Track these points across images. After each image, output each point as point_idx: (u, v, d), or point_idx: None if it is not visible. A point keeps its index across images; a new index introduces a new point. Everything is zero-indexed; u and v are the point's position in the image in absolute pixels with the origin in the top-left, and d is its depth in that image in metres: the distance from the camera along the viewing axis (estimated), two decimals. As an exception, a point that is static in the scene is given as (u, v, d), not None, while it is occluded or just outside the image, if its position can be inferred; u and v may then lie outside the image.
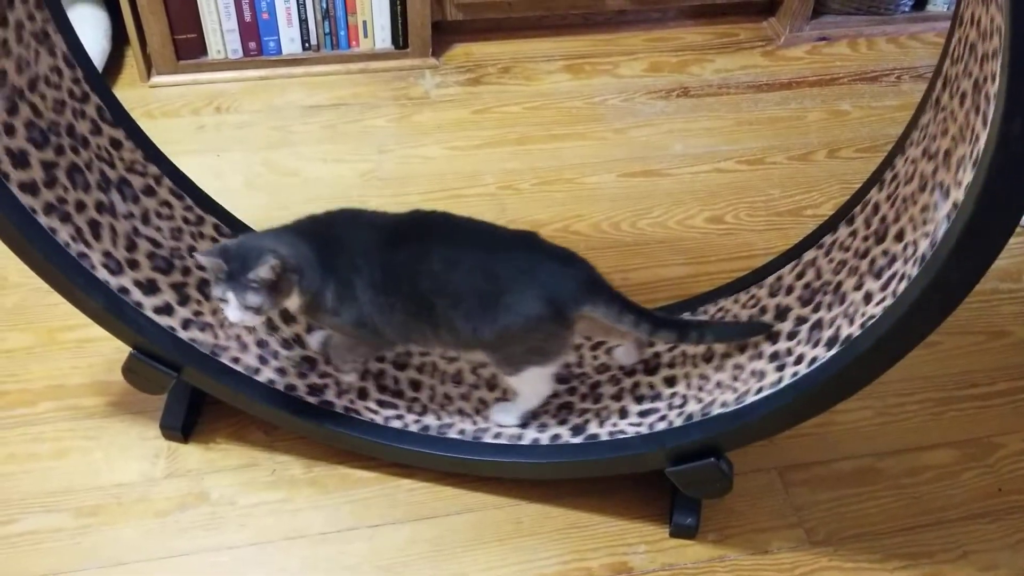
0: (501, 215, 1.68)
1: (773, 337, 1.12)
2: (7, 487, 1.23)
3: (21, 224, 1.03)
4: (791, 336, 1.11)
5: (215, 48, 1.97)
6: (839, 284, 1.09)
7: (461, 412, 1.23)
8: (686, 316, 1.30)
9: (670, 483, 1.14)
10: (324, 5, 1.95)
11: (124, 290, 1.13)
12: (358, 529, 1.20)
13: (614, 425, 1.18)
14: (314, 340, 1.26)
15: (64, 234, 1.08)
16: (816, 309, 1.11)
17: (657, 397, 1.19)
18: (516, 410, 1.20)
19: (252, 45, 1.98)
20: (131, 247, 1.17)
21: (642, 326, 1.08)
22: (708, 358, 1.18)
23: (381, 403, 1.23)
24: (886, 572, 1.17)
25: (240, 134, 1.86)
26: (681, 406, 1.15)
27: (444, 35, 2.13)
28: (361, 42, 2.02)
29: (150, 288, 1.16)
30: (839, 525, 1.22)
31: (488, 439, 1.20)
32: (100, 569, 1.15)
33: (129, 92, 1.94)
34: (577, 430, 1.19)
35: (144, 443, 1.28)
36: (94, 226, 1.13)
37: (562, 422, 1.21)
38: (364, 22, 1.99)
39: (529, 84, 2.03)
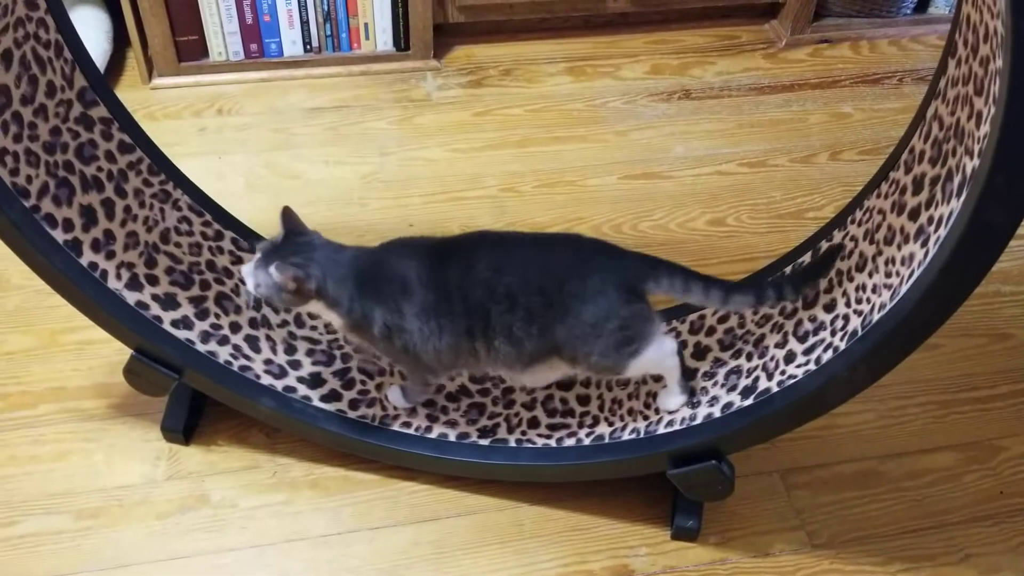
0: (502, 217, 1.68)
1: (689, 374, 1.16)
2: (8, 489, 1.23)
3: (21, 224, 1.04)
4: (707, 376, 1.15)
5: (216, 50, 1.97)
6: (762, 337, 1.13)
7: (632, 412, 1.20)
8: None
9: (672, 486, 1.14)
10: (326, 7, 1.95)
11: (143, 304, 1.15)
12: (359, 531, 1.20)
13: (615, 428, 1.18)
14: (393, 395, 1.23)
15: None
16: (736, 356, 1.15)
17: (570, 413, 1.23)
18: (673, 390, 1.14)
19: (253, 47, 1.98)
20: (150, 263, 1.19)
21: (713, 293, 1.04)
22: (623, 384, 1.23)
23: (552, 427, 1.21)
24: (888, 575, 1.17)
25: (241, 136, 1.86)
26: (592, 426, 1.19)
27: (446, 37, 2.13)
28: (363, 44, 2.02)
29: (168, 302, 1.18)
30: (841, 528, 1.22)
31: (571, 442, 1.20)
32: (101, 571, 1.15)
33: (130, 94, 1.94)
34: (582, 429, 1.19)
35: (145, 445, 1.28)
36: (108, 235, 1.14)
37: (564, 425, 1.21)
38: (365, 24, 1.99)
39: (530, 86, 2.03)
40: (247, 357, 1.21)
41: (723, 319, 1.22)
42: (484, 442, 1.20)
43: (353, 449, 1.23)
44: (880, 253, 1.01)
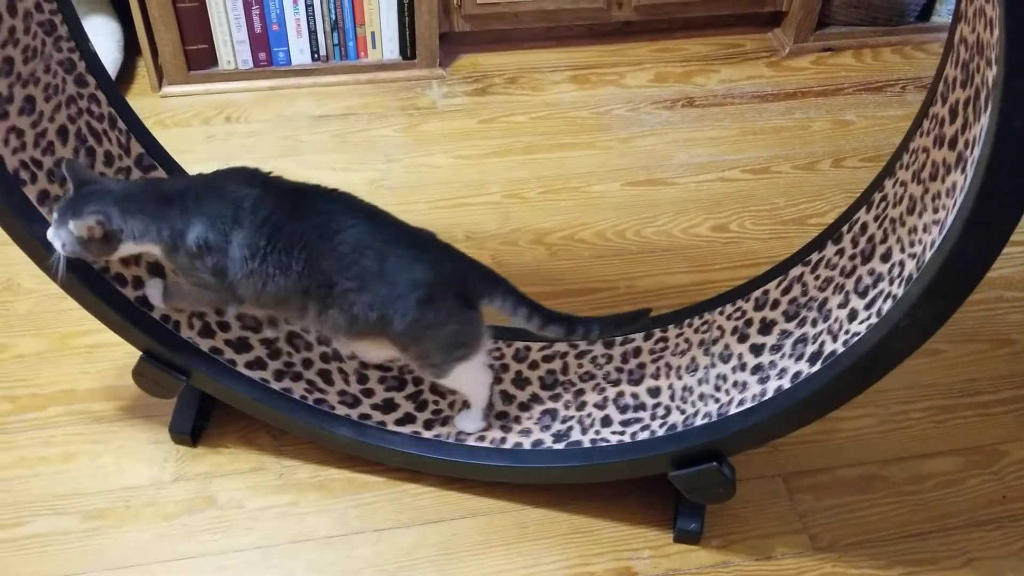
0: (506, 223, 1.70)
1: (757, 350, 1.15)
2: (16, 490, 1.24)
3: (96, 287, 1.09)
4: (775, 349, 1.12)
5: (225, 59, 1.99)
6: (824, 301, 1.11)
7: (703, 397, 1.19)
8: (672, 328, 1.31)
9: (674, 488, 1.14)
10: (333, 16, 1.97)
11: (216, 350, 1.19)
12: (364, 533, 1.21)
13: (617, 429, 1.19)
14: (154, 292, 1.18)
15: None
16: (800, 324, 1.13)
17: (641, 407, 1.22)
18: (476, 413, 1.22)
19: (262, 56, 2.00)
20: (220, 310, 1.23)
21: (534, 320, 1.11)
22: (692, 369, 1.21)
23: (625, 423, 1.21)
24: (889, 578, 1.18)
25: (250, 143, 1.88)
26: (664, 416, 1.18)
27: (451, 46, 2.15)
28: (369, 53, 2.04)
29: (241, 346, 1.22)
30: (843, 532, 1.23)
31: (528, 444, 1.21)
32: (108, 572, 1.16)
33: (141, 102, 1.96)
34: (582, 432, 1.19)
35: (153, 447, 1.30)
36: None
37: (569, 428, 1.22)
38: (372, 33, 2.01)
39: (535, 94, 2.05)
40: (321, 391, 1.23)
41: (786, 290, 1.20)
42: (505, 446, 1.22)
43: (432, 469, 1.24)
44: (927, 191, 0.98)
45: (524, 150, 1.88)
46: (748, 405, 1.09)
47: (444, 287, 1.07)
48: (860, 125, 1.98)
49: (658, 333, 1.28)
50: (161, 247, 1.06)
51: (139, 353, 1.18)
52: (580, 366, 1.29)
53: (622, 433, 1.16)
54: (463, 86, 2.06)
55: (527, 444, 1.20)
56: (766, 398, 1.08)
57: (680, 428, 1.12)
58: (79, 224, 1.00)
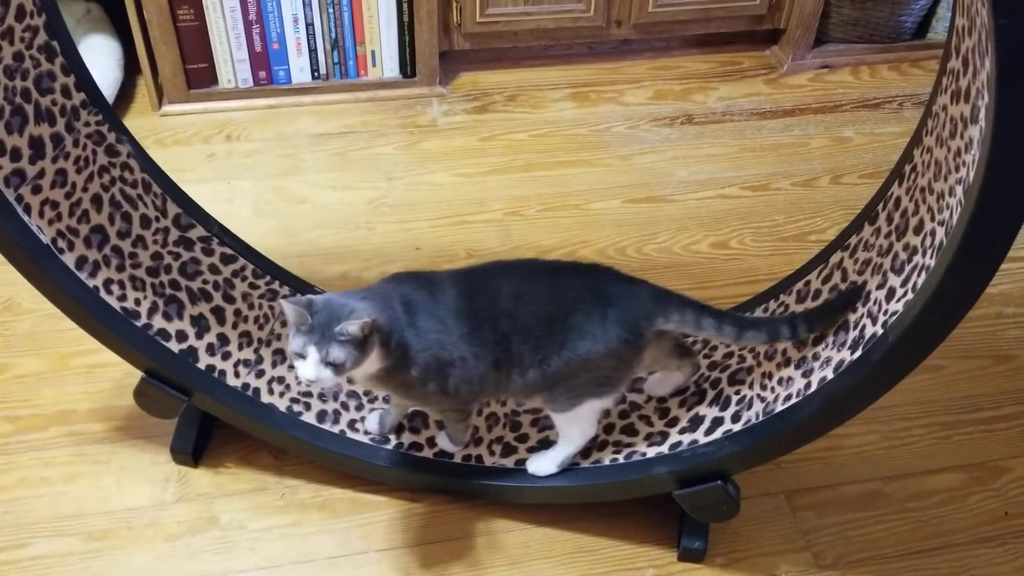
0: (507, 241, 1.70)
1: (800, 344, 1.11)
2: (18, 511, 1.24)
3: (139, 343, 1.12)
4: (817, 341, 1.09)
5: (226, 77, 1.99)
6: (863, 284, 1.07)
7: (781, 381, 1.14)
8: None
9: (678, 507, 1.14)
10: (333, 35, 1.98)
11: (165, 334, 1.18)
12: (367, 553, 1.20)
13: (621, 448, 1.19)
14: (372, 422, 1.24)
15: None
16: (861, 291, 1.07)
17: (675, 421, 1.20)
18: (558, 456, 1.17)
19: (262, 74, 2.01)
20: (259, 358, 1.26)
21: (725, 330, 1.04)
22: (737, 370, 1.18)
23: (649, 439, 1.20)
24: (894, 596, 1.18)
25: (250, 162, 1.88)
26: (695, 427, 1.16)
27: (451, 64, 2.15)
28: (370, 71, 2.05)
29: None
30: (846, 549, 1.23)
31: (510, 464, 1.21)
32: (111, 593, 1.16)
33: (141, 121, 1.96)
34: (585, 454, 1.19)
35: (154, 467, 1.29)
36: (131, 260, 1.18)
37: (683, 430, 1.20)
38: (373, 52, 2.02)
39: (535, 112, 2.06)
40: (629, 445, 1.20)
41: (827, 278, 1.17)
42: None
43: (607, 496, 1.20)
44: (949, 150, 0.95)
45: (524, 168, 1.89)
46: (793, 401, 1.05)
47: (603, 317, 1.03)
48: (858, 142, 1.99)
49: (907, 168, 1.12)
50: (379, 359, 1.01)
51: (140, 373, 1.18)
52: (855, 261, 1.14)
53: (904, 295, 0.97)
54: (463, 104, 2.07)
55: (828, 374, 1.06)
56: (809, 392, 1.04)
57: (944, 242, 0.91)
58: (351, 323, 0.94)
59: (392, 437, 1.24)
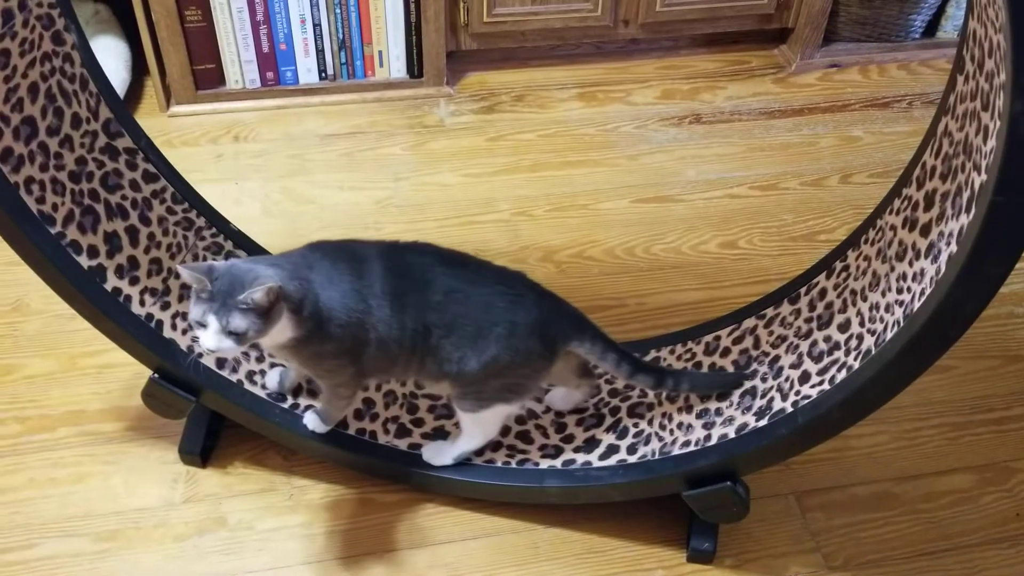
0: (515, 241, 1.70)
1: (703, 397, 1.17)
2: (27, 512, 1.24)
3: (48, 250, 1.05)
4: (721, 397, 1.15)
5: (233, 78, 2.00)
6: (776, 358, 1.13)
7: (681, 426, 1.19)
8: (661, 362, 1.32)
9: (687, 508, 1.14)
10: (341, 35, 1.98)
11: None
12: (376, 554, 1.20)
13: (515, 453, 1.21)
14: (272, 379, 1.23)
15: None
16: (751, 377, 1.15)
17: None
18: (456, 451, 1.19)
19: (270, 75, 2.01)
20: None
21: (622, 367, 1.11)
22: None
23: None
24: (905, 597, 1.17)
25: (258, 162, 1.88)
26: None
27: (458, 64, 2.15)
28: (377, 72, 2.05)
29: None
30: (857, 550, 1.22)
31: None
32: (119, 593, 1.16)
33: (149, 122, 1.96)
34: (479, 451, 1.20)
35: (163, 468, 1.29)
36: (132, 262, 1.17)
37: (577, 449, 1.21)
38: (380, 52, 2.02)
39: (543, 112, 2.05)
40: (523, 451, 1.22)
41: (738, 340, 1.22)
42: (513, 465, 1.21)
43: (650, 492, 1.19)
44: (892, 270, 1.01)
45: (532, 168, 1.89)
46: (690, 449, 1.11)
47: (530, 331, 1.06)
48: (867, 141, 1.98)
49: (839, 264, 1.19)
50: (290, 326, 1.00)
51: (148, 373, 1.18)
52: (771, 333, 1.22)
53: (820, 383, 1.06)
54: (470, 104, 2.07)
55: (730, 433, 1.12)
56: (711, 444, 1.10)
57: (873, 351, 1.00)
58: (256, 291, 0.92)
59: (289, 397, 1.23)
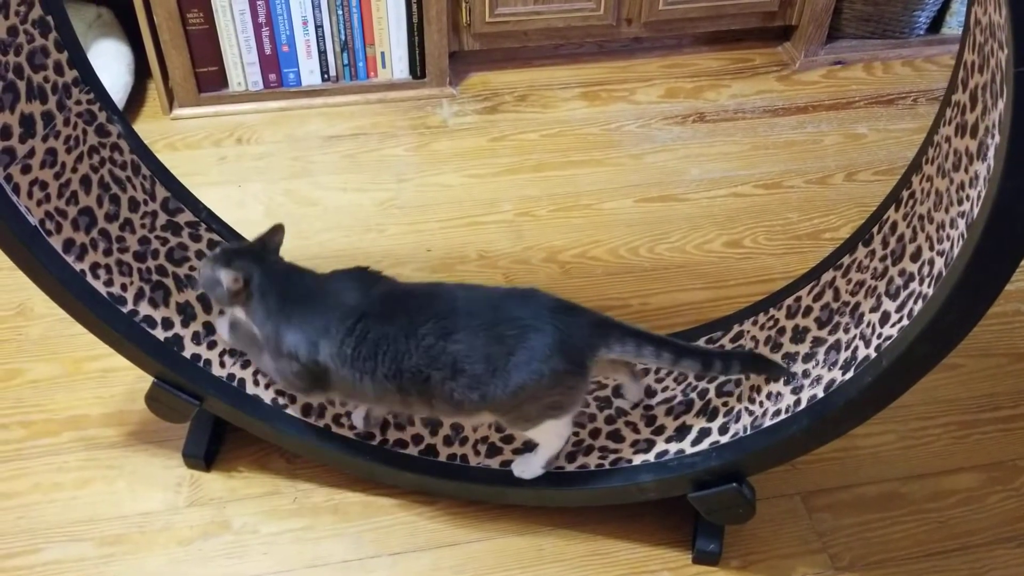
0: (519, 241, 1.69)
1: (791, 358, 1.12)
2: (31, 516, 1.24)
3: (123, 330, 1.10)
4: (807, 358, 1.10)
5: (236, 80, 1.99)
6: (857, 305, 1.09)
7: (770, 396, 1.15)
8: (703, 343, 1.29)
9: (693, 509, 1.13)
10: (343, 37, 1.98)
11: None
12: (380, 557, 1.20)
13: (607, 454, 1.18)
14: (357, 418, 1.22)
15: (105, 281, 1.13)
16: (834, 331, 1.10)
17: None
18: (541, 459, 1.16)
19: (272, 77, 2.01)
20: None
21: (663, 356, 1.05)
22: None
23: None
24: (912, 598, 1.17)
25: (261, 165, 1.88)
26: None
27: (461, 64, 2.15)
28: (379, 72, 2.05)
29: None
30: (864, 551, 1.21)
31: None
32: (124, 598, 1.16)
33: (151, 125, 1.96)
34: (571, 458, 1.19)
35: (167, 472, 1.29)
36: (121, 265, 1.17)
37: (669, 439, 1.19)
38: (382, 53, 2.02)
39: (546, 112, 2.05)
40: (615, 451, 1.20)
41: (819, 296, 1.16)
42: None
43: (593, 501, 1.20)
44: (952, 182, 0.95)
45: (535, 168, 1.88)
46: (781, 417, 1.06)
47: (551, 357, 1.01)
48: (872, 138, 1.97)
49: (905, 194, 1.13)
50: (261, 334, 1.09)
51: (151, 377, 1.18)
52: (848, 281, 1.15)
53: (899, 321, 0.99)
54: (473, 104, 2.06)
55: (819, 392, 1.06)
56: (800, 409, 1.04)
57: (944, 273, 0.92)
58: (226, 273, 1.04)
59: (377, 433, 1.23)
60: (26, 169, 1.04)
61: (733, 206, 1.79)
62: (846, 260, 1.17)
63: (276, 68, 2.00)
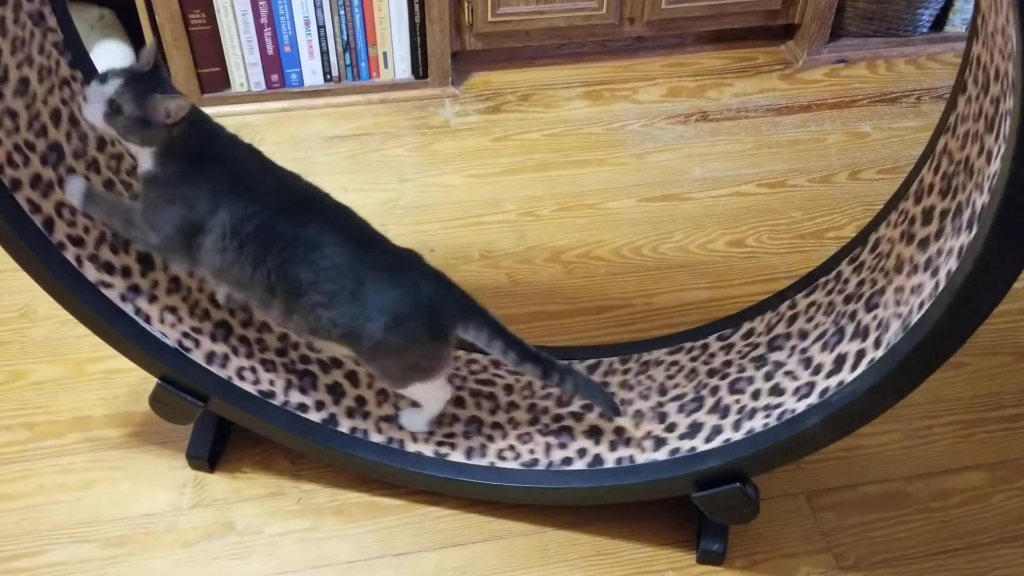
0: (522, 241, 1.69)
1: (924, 244, 1.05)
2: (36, 518, 1.24)
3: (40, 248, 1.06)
4: (939, 235, 1.06)
5: (238, 81, 1.99)
6: (967, 158, 1.02)
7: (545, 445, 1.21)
8: (714, 339, 1.29)
9: (697, 509, 1.13)
10: (345, 37, 1.98)
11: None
12: (384, 558, 1.20)
13: (640, 451, 1.17)
14: (75, 189, 1.11)
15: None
16: (953, 195, 1.03)
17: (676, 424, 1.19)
18: (424, 417, 1.21)
19: (274, 77, 2.01)
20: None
21: (509, 355, 1.09)
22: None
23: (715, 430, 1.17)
24: (918, 597, 1.16)
25: (263, 165, 1.88)
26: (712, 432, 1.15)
27: (463, 64, 2.15)
28: (382, 73, 2.05)
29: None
30: (869, 550, 1.21)
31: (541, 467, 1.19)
32: (128, 599, 1.16)
33: (154, 126, 1.96)
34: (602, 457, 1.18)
35: (171, 473, 1.29)
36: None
37: (682, 436, 1.19)
38: (384, 53, 2.02)
39: (548, 111, 2.05)
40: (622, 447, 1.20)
41: (936, 168, 1.10)
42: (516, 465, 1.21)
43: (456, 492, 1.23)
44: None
45: (538, 167, 1.88)
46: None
47: (414, 316, 1.05)
48: (876, 137, 1.97)
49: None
50: (158, 173, 1.02)
51: (155, 379, 1.18)
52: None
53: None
54: (476, 104, 2.06)
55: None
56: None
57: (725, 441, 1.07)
58: (163, 100, 0.96)
59: (382, 433, 1.23)
60: (153, 299, 1.13)
61: (736, 205, 1.78)
62: (951, 120, 1.10)
63: (278, 68, 2.00)
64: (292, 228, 1.03)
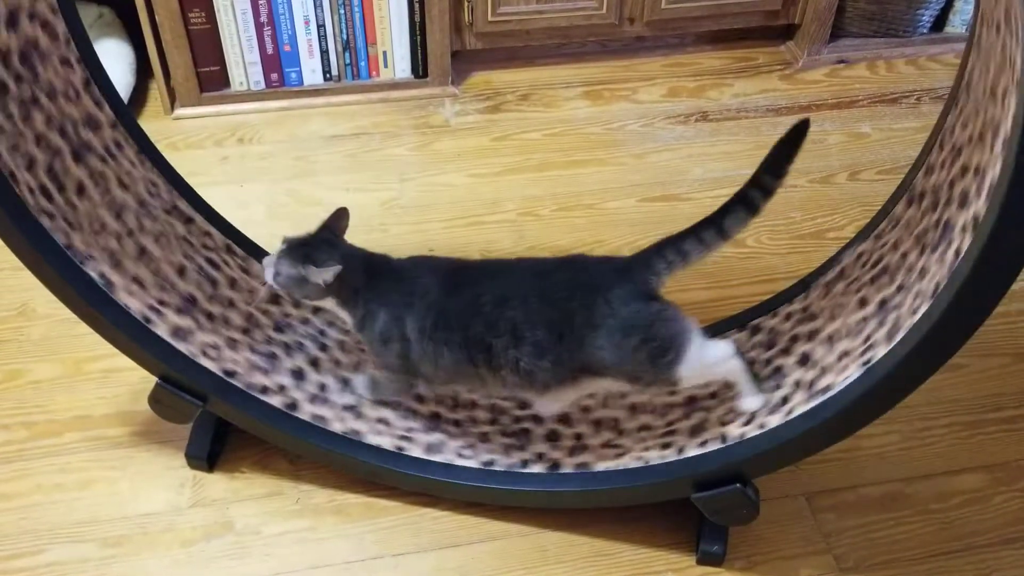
0: (522, 241, 1.69)
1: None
2: (34, 518, 1.23)
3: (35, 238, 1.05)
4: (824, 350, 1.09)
5: (238, 80, 1.99)
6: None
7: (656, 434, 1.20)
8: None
9: (697, 510, 1.13)
10: (345, 36, 1.97)
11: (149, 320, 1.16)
12: (383, 558, 1.19)
13: (641, 452, 1.17)
14: (359, 383, 1.25)
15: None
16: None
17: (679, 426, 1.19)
18: (747, 391, 1.11)
19: (274, 76, 2.00)
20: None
21: (707, 237, 1.09)
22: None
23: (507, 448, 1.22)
24: (917, 599, 1.16)
25: (263, 165, 1.88)
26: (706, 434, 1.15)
27: (463, 64, 2.14)
28: (381, 72, 2.04)
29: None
30: (868, 551, 1.21)
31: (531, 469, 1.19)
32: (126, 599, 1.15)
33: (153, 124, 1.96)
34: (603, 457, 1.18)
35: (169, 473, 1.29)
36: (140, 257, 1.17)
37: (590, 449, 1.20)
38: (384, 52, 2.02)
39: (548, 111, 2.04)
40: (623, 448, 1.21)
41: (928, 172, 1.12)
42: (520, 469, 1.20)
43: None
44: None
45: (538, 167, 1.88)
46: (787, 419, 1.06)
47: (607, 304, 1.01)
48: (876, 137, 1.97)
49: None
50: (353, 321, 1.12)
51: (154, 378, 1.18)
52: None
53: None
54: (476, 104, 2.06)
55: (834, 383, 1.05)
56: (802, 412, 1.04)
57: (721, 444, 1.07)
58: (323, 271, 1.05)
59: (393, 437, 1.23)
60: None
61: (736, 205, 1.78)
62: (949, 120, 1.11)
63: (278, 67, 1.99)
64: (457, 299, 1.07)
